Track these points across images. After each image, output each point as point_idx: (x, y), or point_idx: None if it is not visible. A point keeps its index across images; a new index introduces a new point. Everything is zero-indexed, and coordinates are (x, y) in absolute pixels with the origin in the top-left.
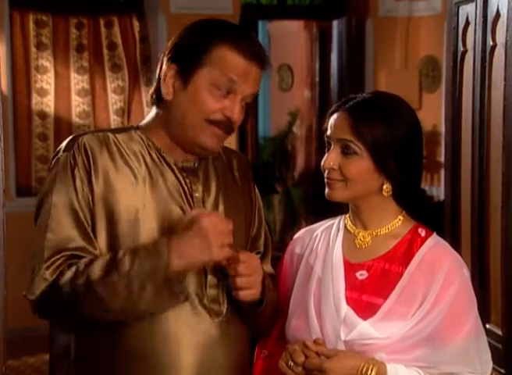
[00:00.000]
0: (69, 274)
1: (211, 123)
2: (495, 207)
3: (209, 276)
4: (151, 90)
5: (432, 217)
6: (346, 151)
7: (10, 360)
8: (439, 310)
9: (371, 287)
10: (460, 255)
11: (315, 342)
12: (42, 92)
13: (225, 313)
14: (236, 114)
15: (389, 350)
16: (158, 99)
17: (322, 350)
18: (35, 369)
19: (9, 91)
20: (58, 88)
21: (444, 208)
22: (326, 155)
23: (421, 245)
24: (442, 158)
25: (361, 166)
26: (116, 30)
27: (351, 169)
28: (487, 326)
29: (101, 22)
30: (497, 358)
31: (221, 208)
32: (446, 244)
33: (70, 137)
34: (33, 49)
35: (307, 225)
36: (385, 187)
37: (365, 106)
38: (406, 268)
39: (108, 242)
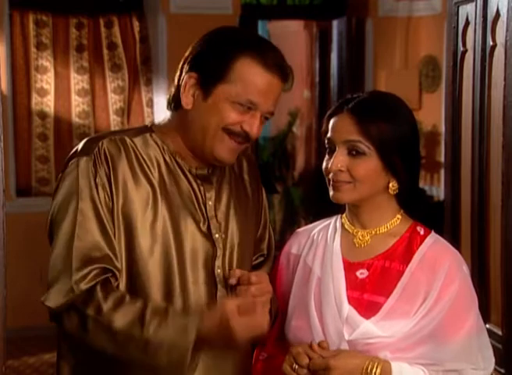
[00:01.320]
0: (94, 307)
1: (228, 133)
2: (495, 207)
3: (219, 286)
4: (169, 95)
5: (432, 217)
6: (353, 152)
7: (10, 360)
8: (440, 308)
9: (371, 286)
10: (460, 254)
11: (320, 345)
12: (42, 92)
13: None
14: (255, 129)
15: (392, 348)
16: (176, 106)
17: (326, 354)
18: (35, 369)
19: (9, 91)
20: (58, 88)
21: (444, 208)
22: (328, 157)
23: (420, 243)
24: (442, 158)
25: (370, 165)
26: (116, 30)
27: (360, 169)
28: (487, 326)
29: (101, 22)
30: (497, 358)
31: (231, 216)
32: (445, 242)
33: (87, 139)
34: (33, 49)
35: (306, 224)
36: (391, 185)
37: (368, 106)
38: (406, 266)
39: (126, 250)
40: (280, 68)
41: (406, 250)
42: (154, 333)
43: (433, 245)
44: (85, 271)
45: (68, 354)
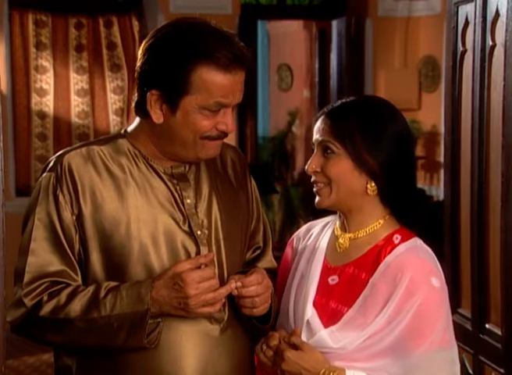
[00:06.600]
0: (49, 306)
1: (207, 138)
2: (494, 207)
3: None
4: (134, 103)
5: (431, 217)
6: (328, 151)
7: (10, 360)
8: (398, 321)
9: (338, 294)
10: (459, 254)
11: (293, 332)
12: (41, 92)
13: (226, 319)
14: (230, 126)
15: (346, 359)
16: (143, 113)
17: (293, 340)
18: (35, 368)
19: (9, 91)
20: (58, 88)
21: (443, 208)
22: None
23: (389, 253)
24: (441, 158)
25: (341, 164)
26: (116, 29)
27: (331, 168)
28: (486, 325)
29: (101, 22)
30: (496, 358)
31: (214, 211)
32: (416, 252)
33: (56, 155)
34: (32, 49)
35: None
36: (369, 186)
37: (345, 109)
38: (371, 276)
39: (102, 259)
40: (236, 60)
41: (375, 259)
42: (111, 308)
43: (401, 256)
44: (34, 285)
45: (65, 369)
